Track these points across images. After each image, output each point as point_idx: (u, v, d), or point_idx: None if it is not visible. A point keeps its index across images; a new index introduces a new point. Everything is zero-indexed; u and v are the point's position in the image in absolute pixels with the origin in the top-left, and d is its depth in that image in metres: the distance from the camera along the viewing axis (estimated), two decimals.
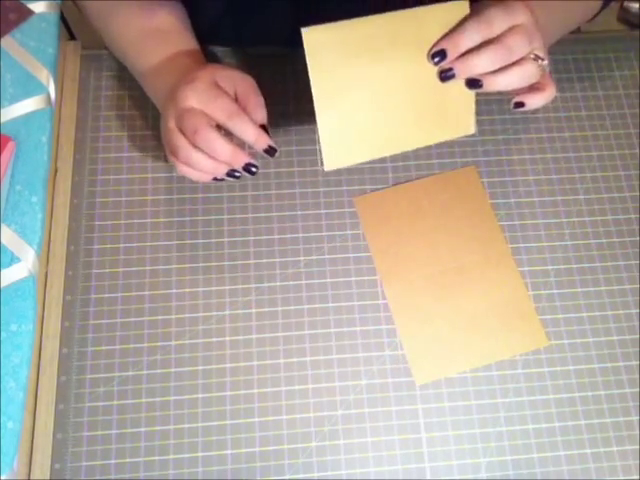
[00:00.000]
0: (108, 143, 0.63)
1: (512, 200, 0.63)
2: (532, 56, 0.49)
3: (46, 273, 0.58)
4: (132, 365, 0.56)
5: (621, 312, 0.59)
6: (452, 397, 0.56)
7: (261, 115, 0.52)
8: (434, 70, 0.49)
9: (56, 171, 0.62)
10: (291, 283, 0.59)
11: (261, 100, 0.53)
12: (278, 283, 0.59)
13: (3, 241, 0.57)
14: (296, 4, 0.62)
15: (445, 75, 0.49)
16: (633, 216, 0.62)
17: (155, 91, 0.58)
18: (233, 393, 0.55)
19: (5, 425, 0.51)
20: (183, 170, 0.52)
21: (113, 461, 0.53)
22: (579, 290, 0.60)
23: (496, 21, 0.48)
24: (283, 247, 0.60)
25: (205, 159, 0.50)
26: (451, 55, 0.48)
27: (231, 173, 0.51)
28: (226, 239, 0.60)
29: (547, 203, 0.63)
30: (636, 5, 1.51)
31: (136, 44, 0.60)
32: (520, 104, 0.51)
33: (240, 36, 0.66)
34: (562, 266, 0.60)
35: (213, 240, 0.60)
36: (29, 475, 0.52)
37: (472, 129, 0.53)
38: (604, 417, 0.56)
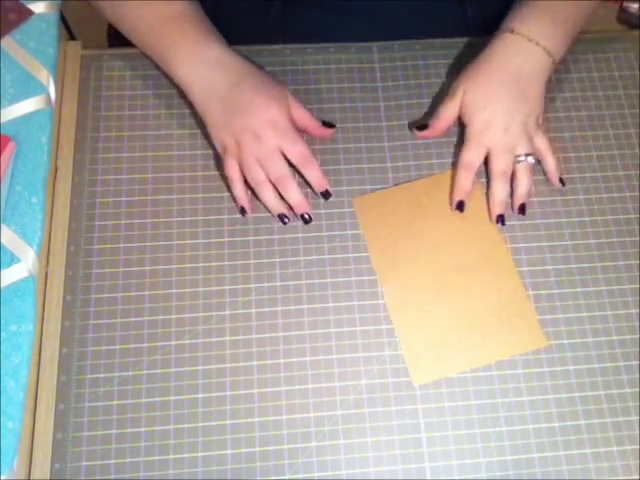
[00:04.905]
0: (108, 143, 0.63)
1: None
2: (519, 160, 0.60)
3: (46, 273, 0.58)
4: (132, 365, 0.56)
5: (621, 312, 0.59)
6: (452, 397, 0.56)
7: (325, 132, 0.63)
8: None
9: (56, 171, 0.62)
10: (291, 283, 0.59)
11: (315, 121, 0.62)
12: (278, 283, 0.59)
13: (3, 241, 0.57)
14: None
15: (503, 222, 0.61)
16: (633, 216, 0.62)
17: (183, 75, 0.60)
18: (233, 393, 0.55)
19: (5, 425, 0.51)
20: (240, 191, 0.60)
21: (113, 461, 0.53)
22: (579, 290, 0.60)
23: (474, 160, 0.60)
24: (283, 247, 0.60)
25: (273, 197, 0.59)
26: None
27: (282, 217, 0.60)
28: (226, 239, 0.60)
29: (547, 203, 0.63)
30: (635, 5, 1.51)
31: (157, 28, 0.61)
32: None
33: (230, 30, 0.67)
34: (562, 266, 0.60)
35: (213, 240, 0.60)
36: (29, 475, 0.52)
37: (545, 341, 0.58)
38: (604, 417, 0.56)
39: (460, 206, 0.60)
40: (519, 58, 0.61)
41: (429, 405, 0.56)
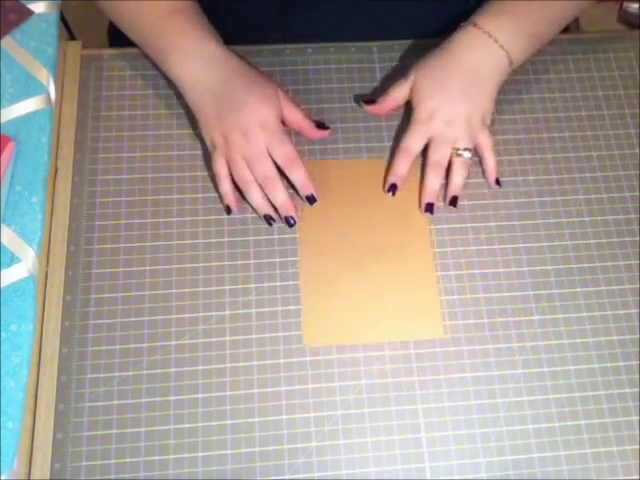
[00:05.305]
0: (108, 143, 0.63)
1: (512, 200, 0.63)
2: (457, 153, 0.60)
3: (46, 273, 0.58)
4: (132, 365, 0.56)
5: (621, 312, 0.59)
6: (452, 397, 0.56)
7: (319, 134, 0.63)
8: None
9: (56, 171, 0.62)
10: (291, 283, 0.59)
11: (309, 122, 0.62)
12: (278, 283, 0.59)
13: (3, 241, 0.57)
14: None
15: (432, 211, 0.61)
16: (633, 216, 0.62)
17: (179, 72, 0.60)
18: (233, 393, 0.55)
19: (5, 425, 0.51)
20: (226, 188, 0.59)
21: (113, 461, 0.53)
22: (579, 290, 0.60)
23: (414, 146, 0.61)
24: (283, 247, 0.60)
25: (259, 196, 0.59)
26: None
27: (268, 218, 0.59)
28: (226, 239, 0.60)
29: (547, 203, 0.63)
30: (635, 5, 1.51)
31: (155, 25, 0.61)
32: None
33: (229, 30, 0.67)
34: (562, 266, 0.60)
35: (213, 240, 0.60)
36: (29, 475, 0.52)
37: (441, 333, 0.58)
38: (604, 417, 0.56)
39: (393, 189, 0.61)
40: (475, 53, 0.61)
41: (429, 405, 0.56)
